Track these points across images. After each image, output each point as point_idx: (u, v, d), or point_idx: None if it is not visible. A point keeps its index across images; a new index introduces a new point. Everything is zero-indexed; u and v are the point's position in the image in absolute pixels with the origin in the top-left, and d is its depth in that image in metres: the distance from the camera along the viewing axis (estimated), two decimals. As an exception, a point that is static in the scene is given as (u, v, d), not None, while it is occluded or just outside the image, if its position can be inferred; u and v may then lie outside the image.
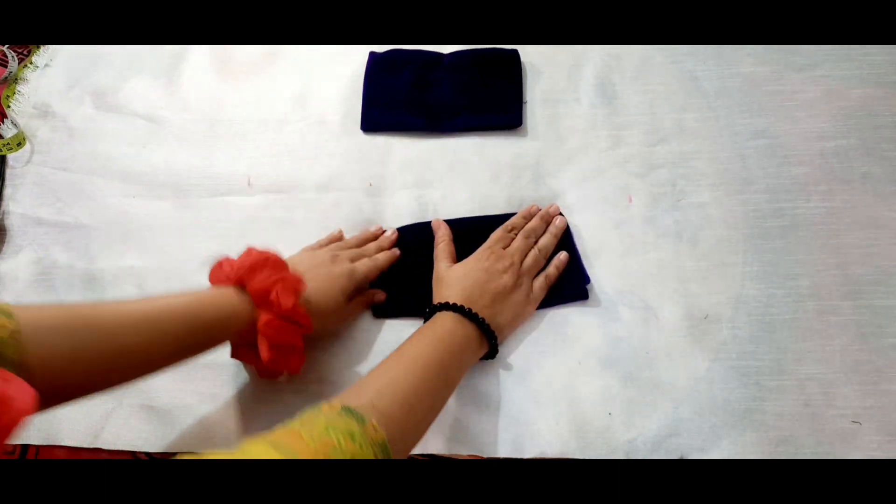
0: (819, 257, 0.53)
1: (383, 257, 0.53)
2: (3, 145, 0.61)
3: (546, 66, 0.65)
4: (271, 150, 0.62)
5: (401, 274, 0.54)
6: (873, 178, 0.55)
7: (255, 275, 0.43)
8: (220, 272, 0.45)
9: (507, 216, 0.56)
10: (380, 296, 0.53)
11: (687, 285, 0.52)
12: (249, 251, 0.45)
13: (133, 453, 0.48)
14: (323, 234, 0.56)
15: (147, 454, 0.48)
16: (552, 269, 0.53)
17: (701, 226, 0.55)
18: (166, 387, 0.51)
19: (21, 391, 0.31)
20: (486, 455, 0.47)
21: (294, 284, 0.43)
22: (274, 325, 0.42)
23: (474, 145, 0.61)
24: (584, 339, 0.51)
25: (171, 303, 0.41)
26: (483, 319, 0.46)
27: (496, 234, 0.53)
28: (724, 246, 0.54)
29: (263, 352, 0.42)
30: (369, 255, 0.53)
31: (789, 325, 0.50)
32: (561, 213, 0.56)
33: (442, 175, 0.60)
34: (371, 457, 0.34)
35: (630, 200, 0.57)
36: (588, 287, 0.52)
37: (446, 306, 0.47)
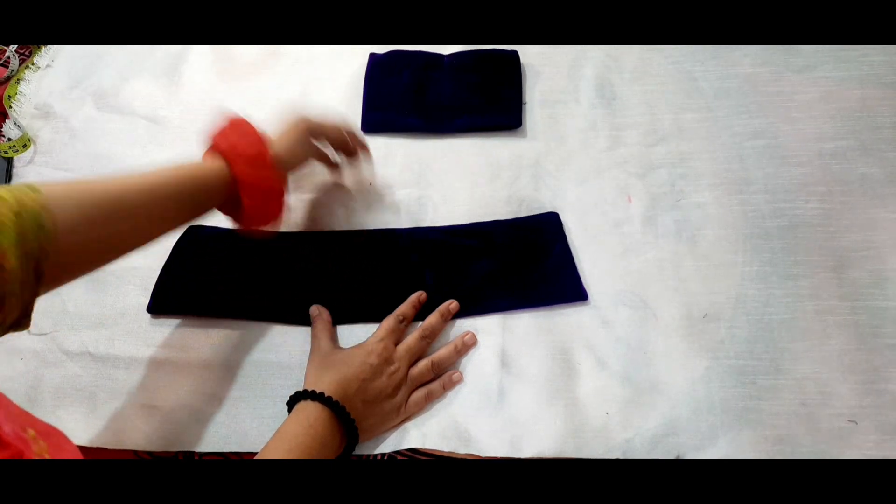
0: (818, 258, 0.53)
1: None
2: (10, 147, 0.61)
3: (546, 67, 0.65)
4: (272, 151, 0.62)
5: (355, 280, 0.54)
6: (872, 179, 0.56)
7: (224, 136, 0.48)
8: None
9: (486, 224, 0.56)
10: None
11: (686, 285, 0.53)
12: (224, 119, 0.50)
13: (135, 452, 0.49)
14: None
15: (149, 453, 0.49)
16: (438, 387, 0.49)
17: (700, 226, 0.55)
18: (168, 387, 0.51)
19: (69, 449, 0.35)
20: (483, 455, 0.47)
21: (256, 139, 0.49)
22: (246, 172, 0.47)
23: (474, 145, 0.61)
24: (583, 339, 0.51)
25: (165, 173, 0.45)
26: (352, 419, 0.44)
27: (388, 324, 0.50)
28: (723, 246, 0.54)
29: (244, 198, 0.47)
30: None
31: (787, 325, 0.50)
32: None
33: (442, 175, 0.60)
34: None
35: (629, 200, 0.57)
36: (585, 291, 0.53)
37: (321, 397, 0.44)
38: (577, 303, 0.53)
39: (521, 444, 0.47)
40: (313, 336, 0.51)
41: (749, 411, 0.47)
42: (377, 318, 0.52)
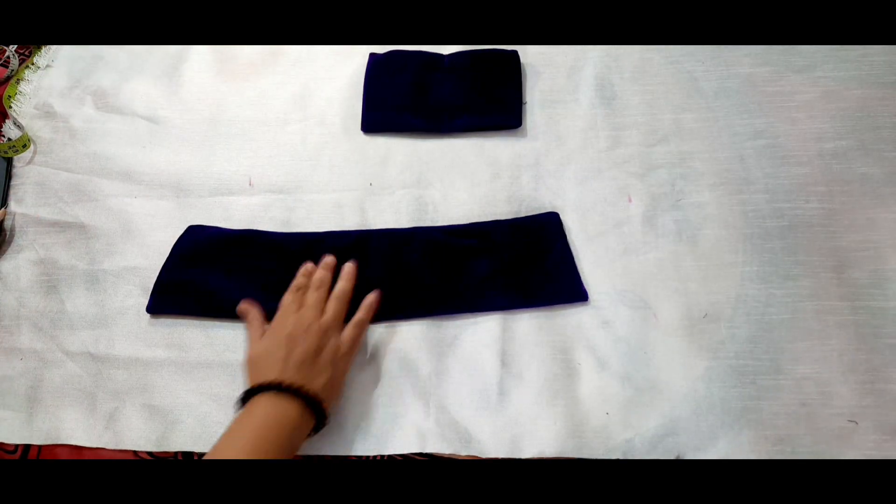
0: (818, 258, 0.53)
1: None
2: (9, 147, 0.61)
3: (546, 67, 0.65)
4: (272, 151, 0.62)
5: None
6: (872, 179, 0.56)
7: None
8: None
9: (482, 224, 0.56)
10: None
11: (686, 285, 0.53)
12: None
13: (135, 453, 0.49)
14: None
15: (150, 454, 0.49)
16: (363, 315, 0.51)
17: (700, 226, 0.55)
18: (168, 386, 0.51)
19: None
20: (484, 455, 0.47)
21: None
22: None
23: (474, 145, 0.61)
24: (583, 339, 0.51)
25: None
26: (297, 388, 0.44)
27: (286, 298, 0.50)
28: (723, 246, 0.54)
29: None
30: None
31: (787, 325, 0.50)
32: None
33: (442, 175, 0.60)
34: None
35: (630, 200, 0.57)
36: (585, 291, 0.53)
37: (253, 390, 0.44)
38: (577, 303, 0.53)
39: (522, 445, 0.47)
40: (247, 338, 0.51)
41: (749, 411, 0.47)
42: (377, 318, 0.52)
